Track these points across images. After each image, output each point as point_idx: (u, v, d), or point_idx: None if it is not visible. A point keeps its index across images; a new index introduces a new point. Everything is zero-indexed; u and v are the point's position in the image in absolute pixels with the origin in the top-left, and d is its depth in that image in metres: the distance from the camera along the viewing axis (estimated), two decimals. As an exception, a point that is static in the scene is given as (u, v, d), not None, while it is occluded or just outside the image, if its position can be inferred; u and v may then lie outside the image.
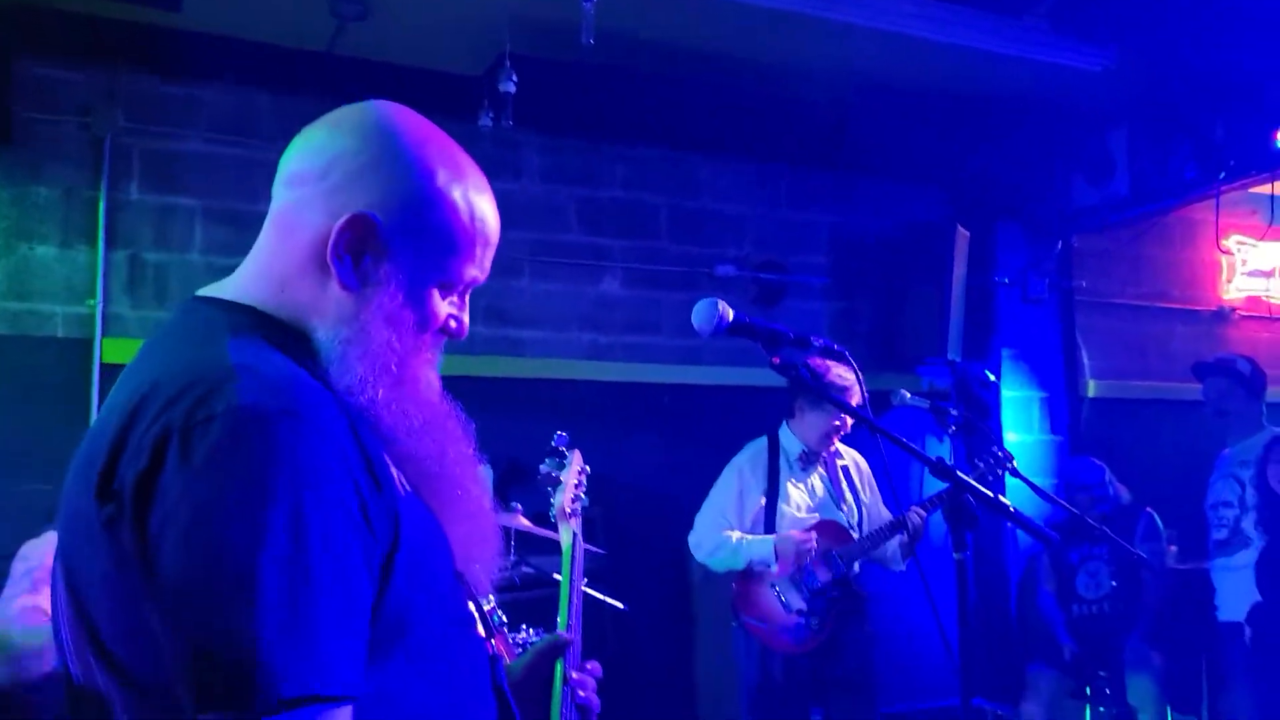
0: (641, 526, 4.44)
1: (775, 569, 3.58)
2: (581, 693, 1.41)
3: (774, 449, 3.77)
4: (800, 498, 3.72)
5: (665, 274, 4.93)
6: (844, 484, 3.79)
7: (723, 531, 3.67)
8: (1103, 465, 4.54)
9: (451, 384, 1.19)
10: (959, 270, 4.94)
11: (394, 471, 1.05)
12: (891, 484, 3.59)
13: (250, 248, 1.14)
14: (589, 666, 1.46)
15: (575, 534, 1.88)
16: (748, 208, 5.15)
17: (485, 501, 1.21)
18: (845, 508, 3.76)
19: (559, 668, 1.40)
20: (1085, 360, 5.68)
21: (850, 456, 3.88)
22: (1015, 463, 3.24)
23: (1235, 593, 3.81)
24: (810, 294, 5.20)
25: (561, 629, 1.70)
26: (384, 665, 0.97)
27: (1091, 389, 5.65)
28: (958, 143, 5.06)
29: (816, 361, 3.34)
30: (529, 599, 3.46)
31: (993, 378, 5.07)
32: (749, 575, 3.65)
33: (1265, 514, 3.76)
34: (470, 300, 1.19)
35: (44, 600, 2.60)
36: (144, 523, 0.89)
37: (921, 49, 4.18)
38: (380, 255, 1.08)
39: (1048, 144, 5.12)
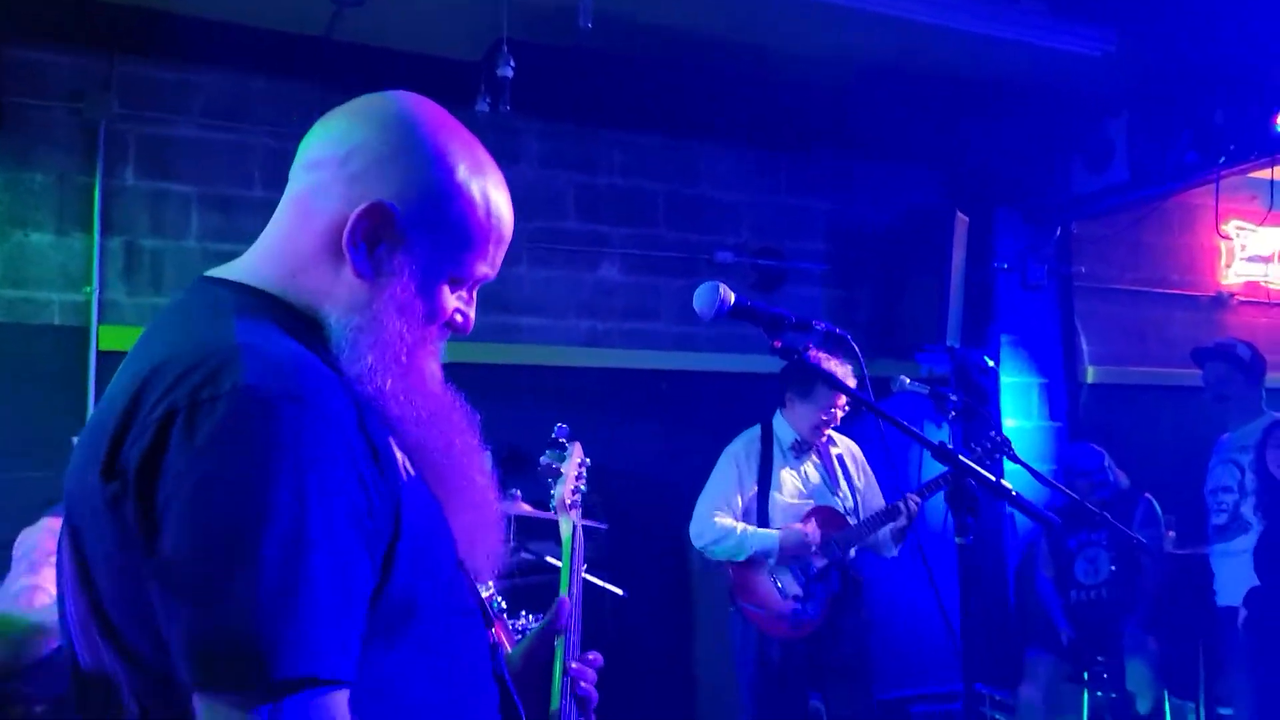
0: (640, 513, 4.44)
1: (774, 561, 3.60)
2: (582, 684, 1.41)
3: (768, 437, 3.80)
4: (794, 484, 3.74)
5: (664, 260, 4.92)
6: (839, 471, 3.81)
7: (725, 520, 3.68)
8: (1102, 451, 4.54)
9: (450, 371, 1.19)
10: (958, 256, 4.93)
11: (399, 458, 1.05)
12: (894, 465, 3.59)
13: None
14: (589, 657, 1.45)
15: (575, 525, 1.88)
16: (746, 194, 5.14)
17: (490, 492, 1.21)
18: (840, 494, 3.77)
19: (558, 658, 1.40)
20: (1084, 346, 5.68)
21: (845, 445, 3.90)
22: (1013, 447, 3.24)
23: (1234, 578, 3.82)
24: (809, 280, 5.19)
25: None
26: (386, 654, 0.97)
27: (1090, 375, 5.65)
28: (957, 129, 5.05)
29: (814, 354, 3.35)
30: (528, 585, 3.47)
31: (992, 363, 5.06)
32: (746, 561, 3.67)
33: (1264, 499, 3.76)
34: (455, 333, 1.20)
35: (43, 579, 2.59)
36: (147, 501, 0.90)
37: (921, 33, 4.16)
38: (396, 245, 1.08)
39: (1047, 129, 5.10)
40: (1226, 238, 6.09)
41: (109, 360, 3.97)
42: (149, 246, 4.17)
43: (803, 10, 3.98)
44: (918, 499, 3.57)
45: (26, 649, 2.50)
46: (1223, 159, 4.50)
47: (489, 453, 1.21)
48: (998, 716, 4.70)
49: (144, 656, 0.94)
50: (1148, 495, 4.49)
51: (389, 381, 1.06)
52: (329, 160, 1.09)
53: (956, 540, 1.66)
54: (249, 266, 1.10)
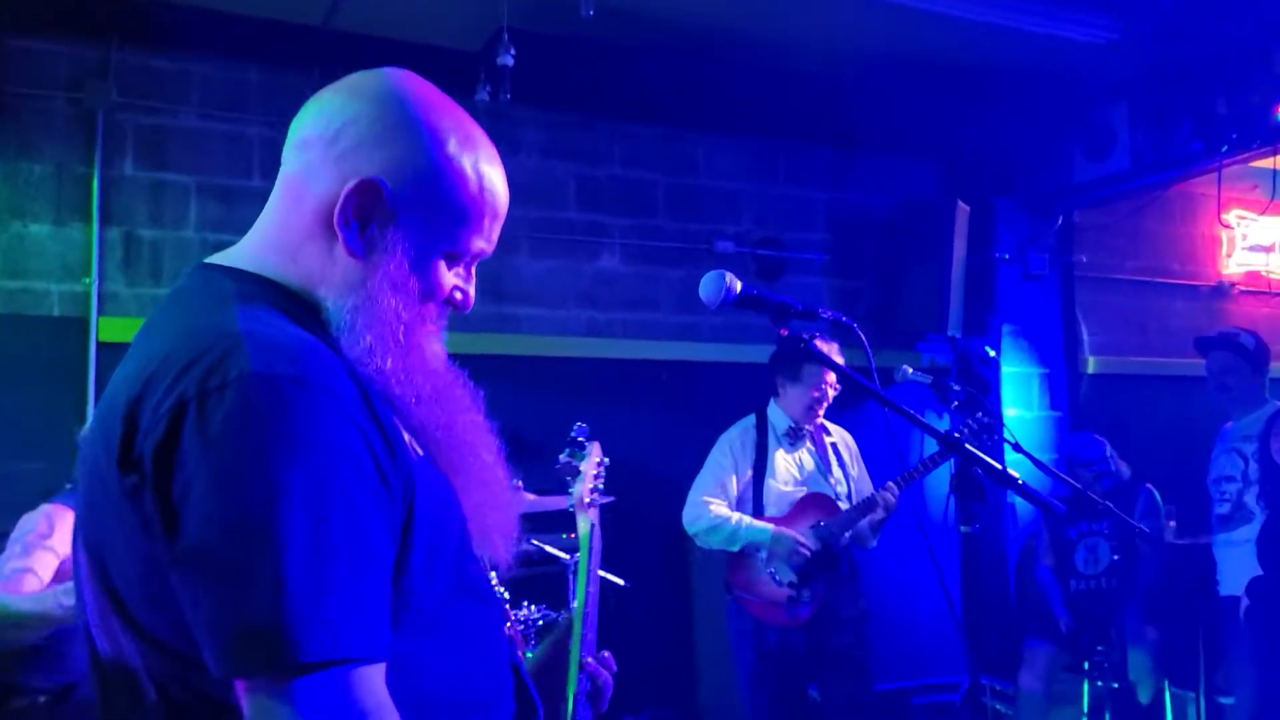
0: (640, 502, 4.42)
1: (764, 555, 3.63)
2: (602, 675, 1.40)
3: (762, 425, 3.83)
4: (788, 471, 3.77)
5: (664, 251, 4.91)
6: (832, 458, 3.84)
7: (720, 509, 3.69)
8: (1104, 441, 4.54)
9: (450, 361, 1.18)
10: (959, 246, 4.92)
11: (407, 438, 1.05)
12: (900, 455, 3.61)
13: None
14: (604, 655, 1.45)
15: (593, 524, 1.89)
16: (746, 184, 5.13)
17: (500, 470, 1.20)
18: (833, 480, 3.80)
19: (574, 654, 1.40)
20: (1085, 336, 5.67)
21: (838, 434, 3.93)
22: (1004, 426, 3.24)
23: (1237, 567, 3.81)
24: (809, 270, 5.18)
25: (577, 617, 1.70)
26: (400, 637, 0.96)
27: (1091, 365, 5.65)
28: (957, 117, 5.03)
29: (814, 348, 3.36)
30: (531, 576, 3.46)
31: (993, 353, 5.06)
32: (741, 550, 3.69)
33: (1268, 488, 3.75)
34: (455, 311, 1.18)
35: (34, 562, 2.58)
36: (164, 492, 0.90)
37: (921, 20, 4.14)
38: (387, 222, 1.07)
39: (1048, 118, 5.09)
40: (1228, 227, 6.09)
41: (108, 351, 3.96)
42: (148, 237, 4.16)
43: (803, -1, 3.96)
44: (895, 489, 3.60)
45: (18, 633, 2.49)
46: (1225, 147, 4.48)
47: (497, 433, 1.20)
48: (998, 706, 4.70)
49: (163, 642, 0.95)
50: (1149, 485, 4.49)
51: (388, 360, 1.06)
52: (317, 140, 1.08)
53: (962, 529, 1.65)
54: (247, 252, 1.10)
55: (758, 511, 3.72)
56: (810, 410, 3.75)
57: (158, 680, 0.96)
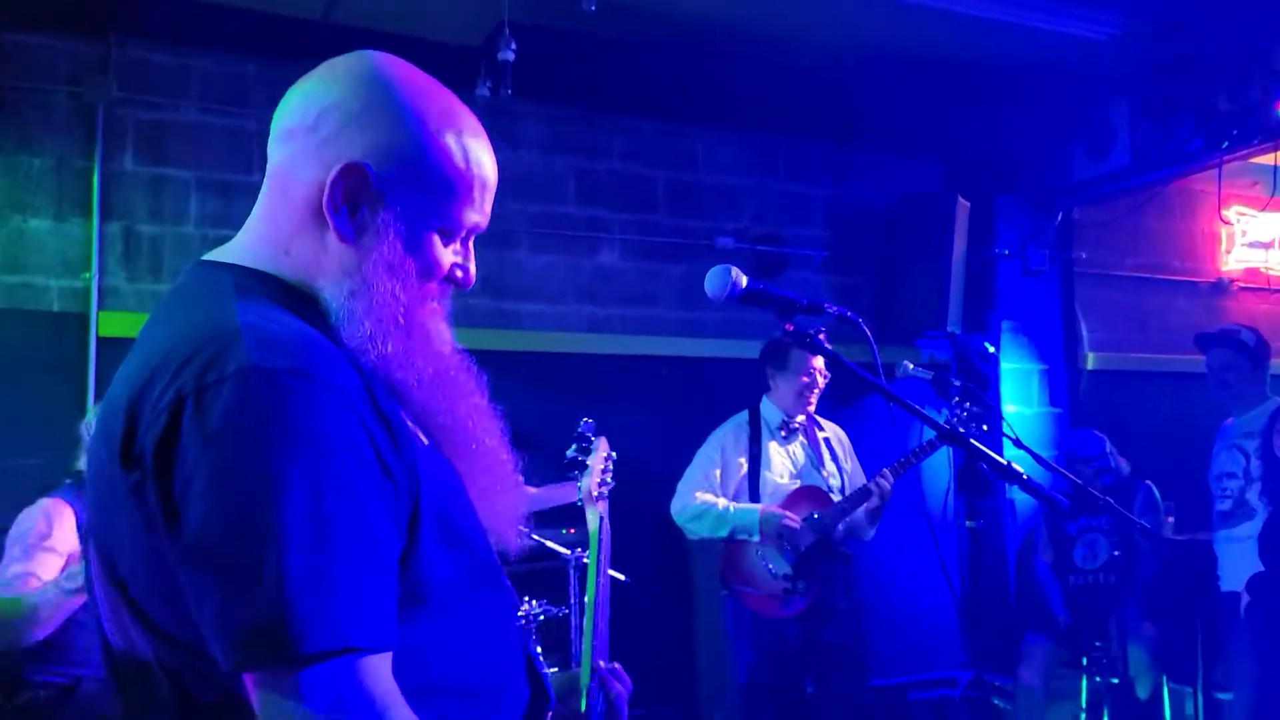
0: (639, 497, 4.41)
1: (756, 539, 3.63)
2: (616, 685, 1.39)
3: (755, 420, 3.86)
4: (783, 464, 3.80)
5: (663, 246, 4.91)
6: (825, 452, 3.87)
7: (705, 496, 3.70)
8: (1103, 437, 4.54)
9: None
10: (959, 242, 4.92)
11: (412, 427, 1.05)
12: (902, 445, 3.62)
13: (245, 219, 1.13)
14: (615, 668, 1.44)
15: (602, 517, 1.90)
16: (746, 180, 5.12)
17: (504, 455, 1.19)
18: (826, 474, 3.83)
19: (585, 657, 1.39)
20: (1084, 332, 5.67)
21: (831, 430, 3.96)
22: (1006, 425, 3.25)
23: (1238, 563, 3.81)
24: (809, 266, 5.18)
25: (589, 610, 1.70)
26: (411, 625, 0.96)
27: (1090, 361, 5.65)
28: (958, 113, 5.02)
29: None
30: (531, 571, 3.46)
31: (992, 349, 5.06)
32: (735, 542, 3.71)
33: (1270, 484, 3.75)
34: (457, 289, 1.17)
35: (36, 565, 2.59)
36: (166, 487, 0.90)
37: (922, 15, 4.14)
38: (376, 204, 1.06)
39: (1049, 114, 5.08)
40: (1228, 223, 6.08)
41: (108, 346, 3.96)
42: (148, 232, 4.15)
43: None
44: (889, 477, 3.62)
45: (17, 635, 2.50)
46: (1226, 144, 4.48)
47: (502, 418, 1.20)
48: (996, 701, 4.71)
49: (174, 635, 0.95)
50: (1148, 482, 4.49)
51: (389, 345, 1.05)
52: (299, 129, 1.08)
53: (967, 524, 1.65)
54: (242, 247, 1.10)
55: (753, 503, 3.73)
56: (801, 398, 3.77)
57: (170, 672, 0.96)
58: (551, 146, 4.75)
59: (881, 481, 3.61)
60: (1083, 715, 4.35)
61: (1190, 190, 5.91)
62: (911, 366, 3.45)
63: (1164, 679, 4.44)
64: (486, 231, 1.19)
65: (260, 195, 1.12)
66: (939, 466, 5.19)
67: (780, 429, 3.83)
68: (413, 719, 0.91)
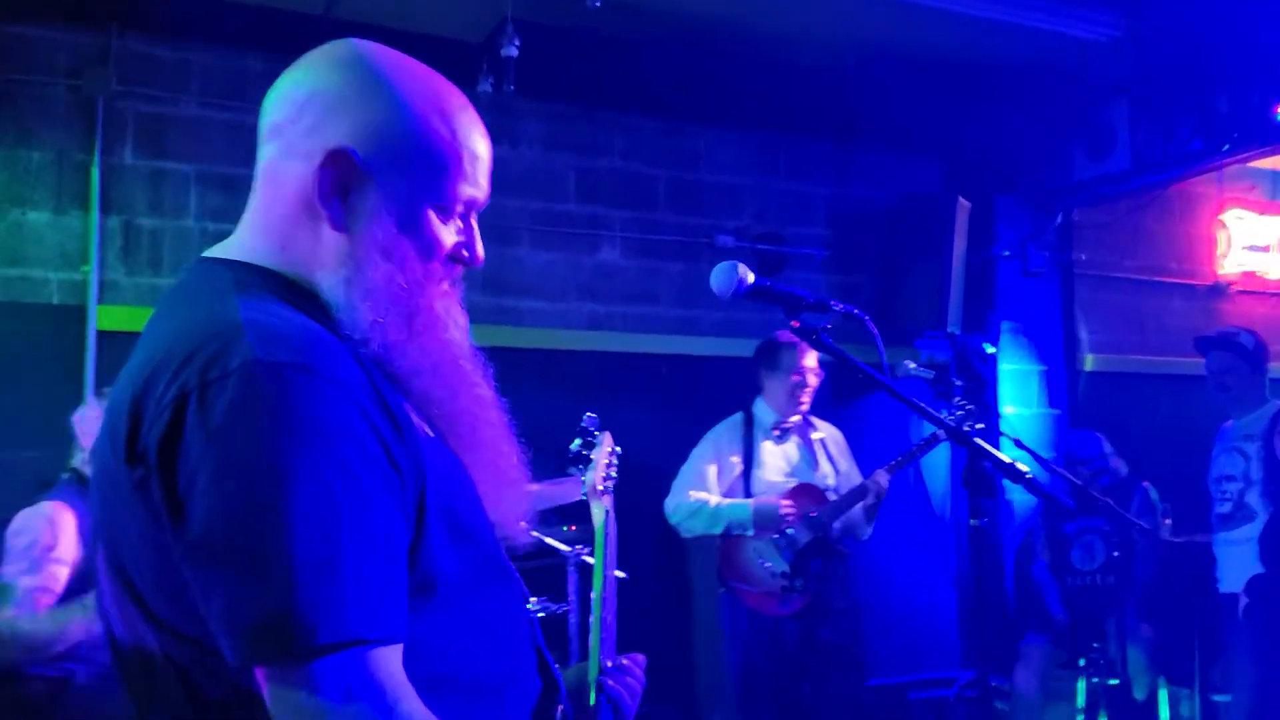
0: (638, 495, 4.41)
1: (751, 533, 3.64)
2: (610, 683, 1.38)
3: (749, 421, 3.88)
4: (777, 463, 3.82)
5: (664, 244, 4.90)
6: (820, 452, 3.89)
7: (698, 495, 3.71)
8: (1102, 438, 4.55)
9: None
10: (959, 242, 4.92)
11: (416, 420, 1.04)
12: (905, 443, 3.63)
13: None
14: (623, 663, 1.42)
15: (607, 511, 1.89)
16: (747, 178, 5.12)
17: (508, 446, 1.18)
18: (820, 474, 3.85)
19: (593, 653, 1.38)
20: (1083, 334, 5.68)
21: (826, 430, 3.98)
22: (1005, 424, 3.26)
23: (1238, 566, 3.82)
24: (809, 266, 5.17)
25: (596, 605, 1.69)
26: (419, 615, 0.96)
27: (1089, 363, 5.66)
28: (959, 113, 5.02)
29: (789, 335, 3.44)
30: (530, 568, 3.45)
31: (991, 350, 5.07)
32: (732, 539, 3.72)
33: (1270, 486, 3.76)
34: (466, 269, 1.15)
35: (48, 579, 2.60)
36: (170, 483, 0.90)
37: (924, 15, 4.14)
38: (365, 188, 1.05)
39: (1050, 115, 5.09)
40: (1226, 227, 6.09)
41: (107, 340, 3.95)
42: (148, 226, 4.14)
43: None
44: (885, 475, 3.63)
45: (36, 653, 2.54)
46: (1226, 147, 4.50)
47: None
48: (995, 703, 4.71)
49: (181, 630, 0.95)
50: (1145, 484, 4.50)
51: (389, 333, 1.04)
52: (284, 123, 1.07)
53: (972, 523, 1.65)
54: (241, 244, 1.09)
55: None
56: (793, 398, 3.78)
57: (177, 667, 0.96)
58: (552, 144, 4.74)
59: (878, 479, 3.63)
60: (1080, 716, 4.35)
61: (1189, 193, 5.91)
62: (913, 366, 3.47)
63: (1161, 680, 4.44)
64: (486, 228, 1.17)
65: (253, 192, 1.11)
66: (938, 466, 5.20)
67: (774, 429, 3.84)
68: (423, 710, 0.91)
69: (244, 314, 0.96)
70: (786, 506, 3.62)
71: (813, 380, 3.78)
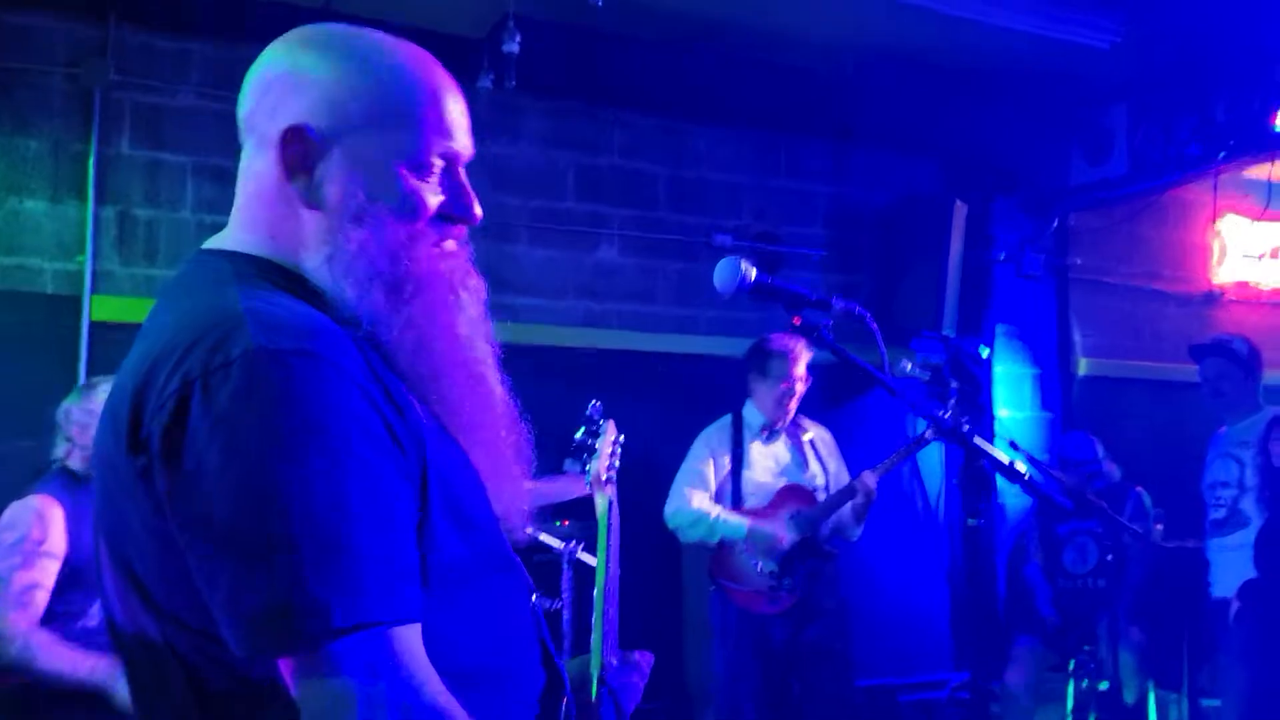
0: (634, 492, 4.41)
1: (742, 547, 3.70)
2: (617, 697, 1.36)
3: (738, 423, 3.91)
4: (766, 463, 3.85)
5: (663, 243, 4.90)
6: (809, 453, 3.91)
7: (700, 504, 3.76)
8: (1096, 441, 4.57)
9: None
10: (955, 245, 4.93)
11: (415, 403, 1.03)
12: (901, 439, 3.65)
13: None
14: (635, 658, 1.41)
15: (611, 501, 1.89)
16: (746, 177, 5.12)
17: (508, 430, 1.16)
18: (809, 474, 3.87)
19: (596, 645, 1.38)
20: (1077, 338, 5.70)
21: (815, 431, 4.00)
22: (980, 418, 3.29)
23: (1231, 571, 3.84)
24: (807, 265, 5.17)
25: (599, 595, 1.69)
26: (425, 608, 0.95)
27: (1083, 367, 5.68)
28: (957, 116, 5.03)
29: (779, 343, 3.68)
30: (526, 566, 3.45)
31: (986, 353, 5.08)
32: (723, 540, 3.75)
33: (1265, 492, 3.78)
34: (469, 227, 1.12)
35: (40, 575, 2.59)
36: (175, 473, 0.90)
37: (924, 18, 4.15)
38: (328, 160, 1.04)
39: (1048, 119, 5.10)
40: (1221, 235, 6.11)
41: (101, 330, 3.94)
42: (143, 216, 4.13)
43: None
44: (873, 476, 3.65)
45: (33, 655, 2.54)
46: (1223, 154, 4.51)
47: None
48: (990, 705, 4.72)
49: (184, 620, 0.95)
50: (1138, 488, 4.52)
51: (376, 305, 1.02)
52: (252, 112, 1.08)
53: (969, 522, 1.65)
54: (235, 235, 1.09)
55: (737, 503, 3.80)
56: (780, 404, 3.80)
57: (180, 657, 0.96)
58: (552, 140, 4.74)
59: (865, 480, 3.65)
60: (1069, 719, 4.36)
61: (1184, 200, 5.93)
62: (909, 366, 3.48)
63: (1150, 684, 4.46)
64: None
65: (238, 185, 1.11)
66: (932, 467, 5.21)
67: (762, 431, 3.88)
68: (445, 691, 0.90)
69: (244, 303, 0.96)
70: (780, 538, 3.64)
71: (800, 388, 3.82)
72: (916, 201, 5.15)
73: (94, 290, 3.98)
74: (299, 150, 1.04)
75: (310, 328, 0.95)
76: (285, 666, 0.87)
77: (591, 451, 1.98)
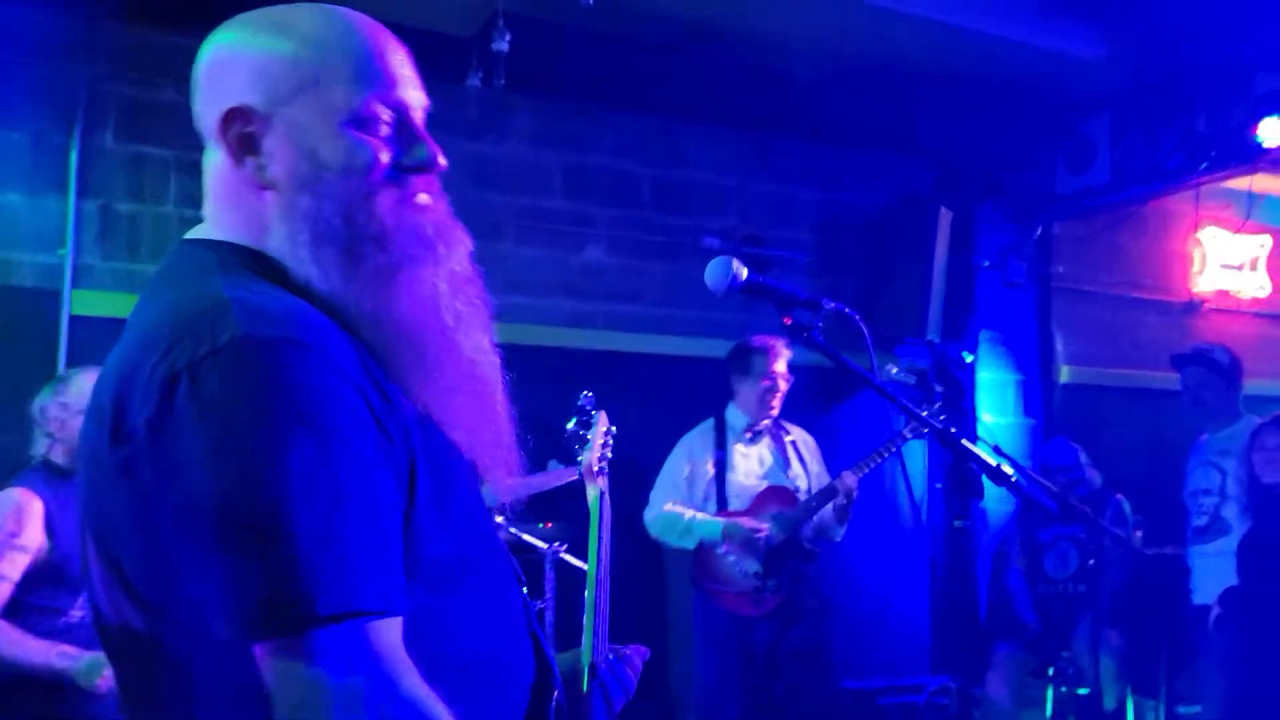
0: (618, 493, 4.42)
1: (722, 550, 3.70)
2: (608, 689, 1.34)
3: (720, 426, 3.92)
4: (749, 466, 3.86)
5: (649, 243, 4.90)
6: (791, 454, 3.93)
7: (674, 508, 3.75)
8: (1078, 447, 4.60)
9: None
10: (941, 251, 4.96)
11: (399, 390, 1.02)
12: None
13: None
14: (628, 653, 1.39)
15: (602, 491, 1.89)
16: (733, 179, 5.13)
17: (497, 394, 1.15)
18: (792, 475, 3.89)
19: (588, 638, 1.37)
20: (1059, 346, 5.74)
21: (797, 434, 4.02)
22: (964, 423, 3.31)
23: (1212, 578, 3.87)
24: (792, 269, 5.19)
25: (590, 584, 1.68)
26: (412, 592, 0.94)
27: (1064, 374, 5.72)
28: (943, 122, 5.06)
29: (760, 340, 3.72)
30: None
31: (970, 358, 5.11)
32: (704, 542, 3.75)
33: (1246, 501, 3.81)
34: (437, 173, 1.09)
35: (8, 567, 2.57)
36: (161, 462, 0.89)
37: (912, 25, 4.17)
38: (268, 134, 1.03)
39: (1033, 128, 5.13)
40: (1201, 245, 6.17)
41: (81, 324, 3.90)
42: (125, 210, 4.09)
43: (797, -2, 3.97)
44: (853, 476, 3.68)
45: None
46: (1204, 165, 4.55)
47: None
48: (973, 711, 4.74)
49: (168, 612, 0.94)
50: (1119, 495, 4.55)
51: (332, 274, 1.00)
52: (203, 111, 1.08)
53: (955, 523, 1.66)
54: (215, 225, 1.09)
55: (721, 506, 3.79)
56: (764, 403, 3.82)
57: (166, 649, 0.95)
58: (541, 140, 4.73)
59: (845, 480, 3.67)
60: (1047, 724, 4.38)
61: (1166, 210, 5.98)
62: (895, 370, 3.50)
63: (1129, 691, 4.49)
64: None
65: (204, 180, 1.11)
66: (916, 470, 5.23)
67: (745, 433, 3.89)
68: (424, 687, 0.90)
69: (229, 292, 0.95)
70: (757, 529, 3.65)
71: (783, 385, 3.83)
72: (902, 207, 5.18)
73: (74, 285, 3.94)
74: (240, 131, 1.03)
75: (298, 317, 0.94)
76: (262, 652, 0.86)
77: (583, 442, 1.97)
